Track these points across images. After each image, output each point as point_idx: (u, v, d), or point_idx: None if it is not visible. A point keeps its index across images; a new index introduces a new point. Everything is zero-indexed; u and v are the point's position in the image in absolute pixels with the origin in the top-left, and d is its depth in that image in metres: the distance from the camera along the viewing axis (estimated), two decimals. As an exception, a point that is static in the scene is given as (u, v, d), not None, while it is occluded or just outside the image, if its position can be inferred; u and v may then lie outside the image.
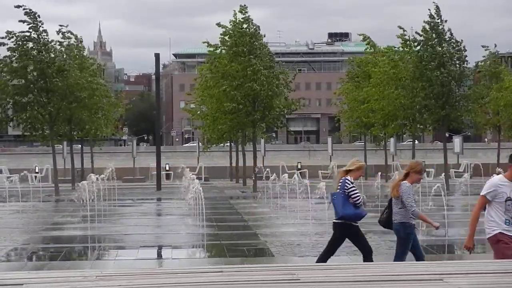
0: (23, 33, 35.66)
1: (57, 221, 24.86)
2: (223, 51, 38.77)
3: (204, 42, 40.30)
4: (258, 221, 23.79)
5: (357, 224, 12.87)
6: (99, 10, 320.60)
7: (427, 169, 39.80)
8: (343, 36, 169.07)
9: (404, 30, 38.67)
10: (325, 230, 18.91)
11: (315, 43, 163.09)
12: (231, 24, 38.21)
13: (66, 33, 37.39)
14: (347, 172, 12.85)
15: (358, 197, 12.66)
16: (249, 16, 38.02)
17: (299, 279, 8.36)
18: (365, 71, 45.62)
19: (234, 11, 38.16)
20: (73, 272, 11.47)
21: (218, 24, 38.44)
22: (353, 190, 12.69)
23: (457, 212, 26.94)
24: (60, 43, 37.07)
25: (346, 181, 12.74)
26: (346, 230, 12.80)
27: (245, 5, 38.15)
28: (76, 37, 39.62)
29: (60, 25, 37.25)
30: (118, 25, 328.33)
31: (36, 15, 35.78)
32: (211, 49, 39.58)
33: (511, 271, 9.91)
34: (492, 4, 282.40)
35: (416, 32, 37.83)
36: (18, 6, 35.74)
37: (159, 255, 17.99)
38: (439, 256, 16.70)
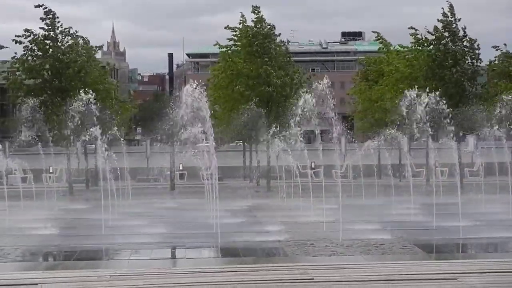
0: (42, 32, 35.96)
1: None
2: (235, 51, 38.75)
3: (215, 45, 40.40)
4: (271, 219, 23.72)
5: None
6: (104, 11, 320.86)
7: (440, 168, 39.66)
8: (356, 35, 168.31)
9: (415, 30, 38.60)
10: (338, 229, 18.88)
11: (328, 42, 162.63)
12: (240, 25, 38.14)
13: (73, 34, 37.39)
14: None
15: None
16: (262, 16, 37.93)
17: (313, 279, 8.35)
18: (378, 69, 45.42)
19: (241, 13, 38.17)
20: (87, 272, 11.46)
21: (227, 27, 38.48)
22: None
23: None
24: (75, 44, 37.19)
25: None
26: None
27: (257, 5, 38.11)
28: (83, 38, 39.39)
29: (67, 28, 37.20)
30: (126, 26, 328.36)
31: (55, 15, 36.05)
32: (223, 49, 39.65)
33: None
34: (495, 4, 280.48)
35: (428, 32, 37.70)
36: (39, 6, 36.16)
37: (173, 255, 17.94)
38: (453, 256, 16.62)
